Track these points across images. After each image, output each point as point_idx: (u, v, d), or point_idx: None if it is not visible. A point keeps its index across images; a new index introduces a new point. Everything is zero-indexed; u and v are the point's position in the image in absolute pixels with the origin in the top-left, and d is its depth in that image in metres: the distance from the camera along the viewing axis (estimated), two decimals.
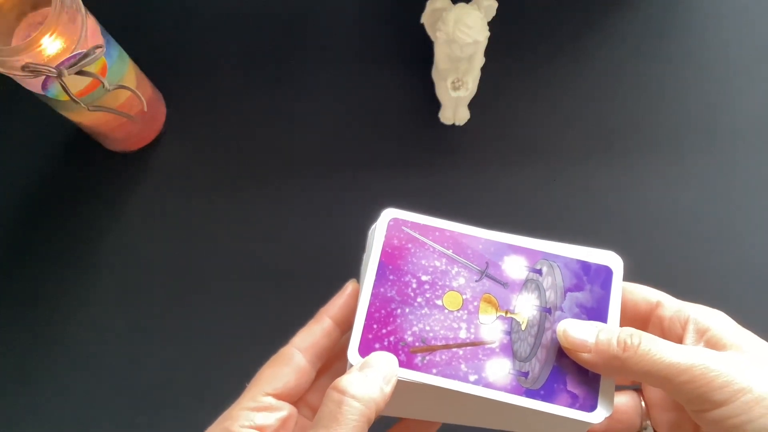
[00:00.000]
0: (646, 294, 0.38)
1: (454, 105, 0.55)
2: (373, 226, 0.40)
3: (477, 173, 0.56)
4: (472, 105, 0.55)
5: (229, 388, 0.48)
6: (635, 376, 0.34)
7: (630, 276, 0.54)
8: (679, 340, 0.35)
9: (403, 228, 0.38)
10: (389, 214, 0.39)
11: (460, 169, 0.56)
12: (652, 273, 0.54)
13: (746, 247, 0.55)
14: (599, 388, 0.36)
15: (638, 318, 0.38)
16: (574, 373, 0.36)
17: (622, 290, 0.38)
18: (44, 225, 0.55)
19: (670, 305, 0.37)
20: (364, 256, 0.41)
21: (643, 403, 0.39)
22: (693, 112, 0.57)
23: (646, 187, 0.56)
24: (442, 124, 0.56)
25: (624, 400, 0.39)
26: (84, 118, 0.50)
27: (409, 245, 0.38)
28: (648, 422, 0.39)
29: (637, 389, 0.41)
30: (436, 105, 0.55)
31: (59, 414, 0.52)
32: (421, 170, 0.56)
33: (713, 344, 0.34)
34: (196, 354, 0.53)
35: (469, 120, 0.55)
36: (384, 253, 0.38)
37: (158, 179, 0.56)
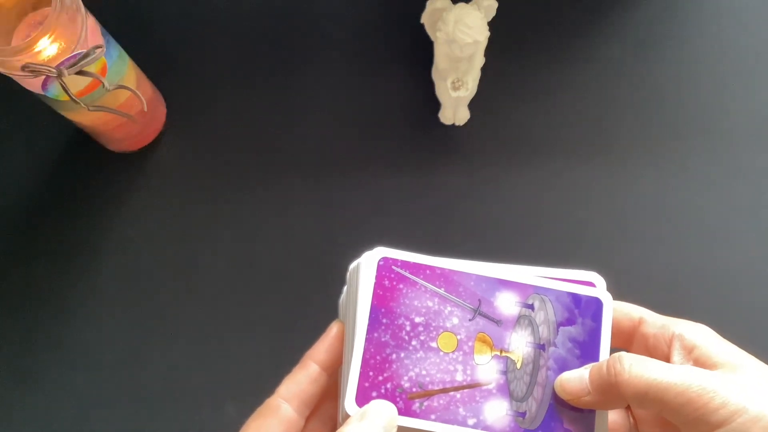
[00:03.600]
0: (628, 311, 0.38)
1: (454, 105, 0.55)
2: (354, 263, 0.39)
3: (477, 173, 0.56)
4: (472, 105, 0.55)
5: (229, 387, 0.48)
6: (632, 400, 0.33)
7: (630, 277, 0.54)
8: (666, 358, 0.35)
9: (393, 268, 0.37)
10: (378, 253, 0.37)
11: (460, 169, 0.56)
12: (649, 274, 0.54)
13: (743, 253, 0.55)
14: (594, 423, 0.36)
15: (622, 335, 0.38)
16: (569, 410, 0.36)
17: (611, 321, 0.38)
18: (44, 225, 0.55)
19: (653, 321, 0.37)
20: (345, 293, 0.40)
21: (631, 419, 0.39)
22: (695, 112, 0.57)
23: (645, 188, 0.56)
24: (442, 124, 0.56)
25: (613, 416, 0.39)
26: (84, 118, 0.50)
27: (401, 286, 0.37)
28: None
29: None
30: (436, 105, 0.55)
31: (59, 414, 0.52)
32: (421, 170, 0.56)
33: (702, 363, 0.34)
34: (196, 354, 0.53)
35: (469, 120, 0.55)
36: (375, 295, 0.36)
37: (158, 179, 0.56)
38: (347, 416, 0.34)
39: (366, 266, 0.37)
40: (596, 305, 0.38)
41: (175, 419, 0.51)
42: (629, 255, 0.55)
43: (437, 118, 0.56)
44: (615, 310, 0.38)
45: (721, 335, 0.35)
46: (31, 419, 0.52)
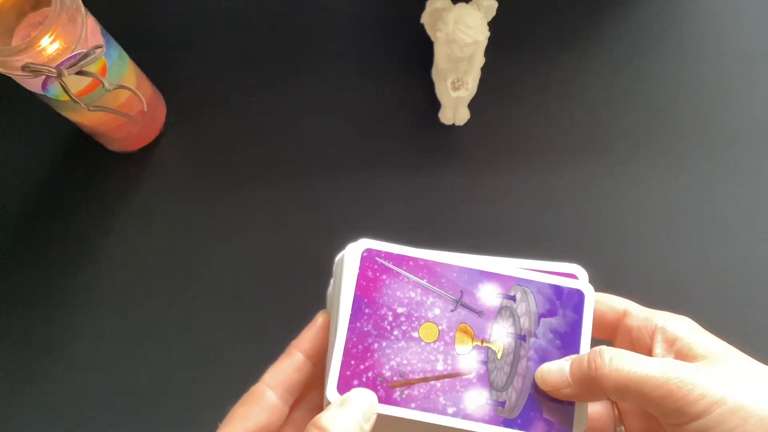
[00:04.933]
0: (612, 303, 0.38)
1: (454, 105, 0.55)
2: (339, 255, 0.39)
3: (477, 173, 0.56)
4: (472, 105, 0.55)
5: (229, 387, 0.48)
6: (612, 394, 0.33)
7: (636, 273, 0.54)
8: (648, 350, 0.35)
9: (377, 259, 0.38)
10: (362, 244, 0.38)
11: (460, 169, 0.56)
12: (646, 274, 0.54)
13: (737, 249, 0.55)
14: (574, 413, 0.36)
15: (606, 328, 0.38)
16: (549, 400, 0.36)
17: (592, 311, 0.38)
18: (44, 225, 0.55)
19: (637, 314, 0.37)
20: (331, 286, 0.41)
21: (616, 411, 0.39)
22: (694, 112, 0.57)
23: (645, 189, 0.56)
24: (442, 124, 0.56)
25: (598, 408, 0.39)
26: (84, 118, 0.50)
27: (384, 276, 0.37)
28: (622, 428, 0.39)
29: None
30: (436, 105, 0.55)
31: (59, 414, 0.52)
32: (420, 170, 0.56)
33: (683, 355, 0.34)
34: (195, 354, 0.53)
35: (469, 120, 0.55)
36: (359, 285, 0.37)
37: (158, 179, 0.56)
38: (329, 403, 0.35)
39: (350, 257, 0.38)
40: (578, 297, 0.38)
41: (175, 419, 0.51)
42: (629, 253, 0.55)
43: (437, 118, 0.56)
44: (599, 302, 0.38)
45: (712, 331, 0.35)
46: (31, 419, 0.52)
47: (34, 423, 0.52)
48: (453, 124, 0.56)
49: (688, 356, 0.34)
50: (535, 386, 0.36)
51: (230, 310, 0.53)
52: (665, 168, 0.56)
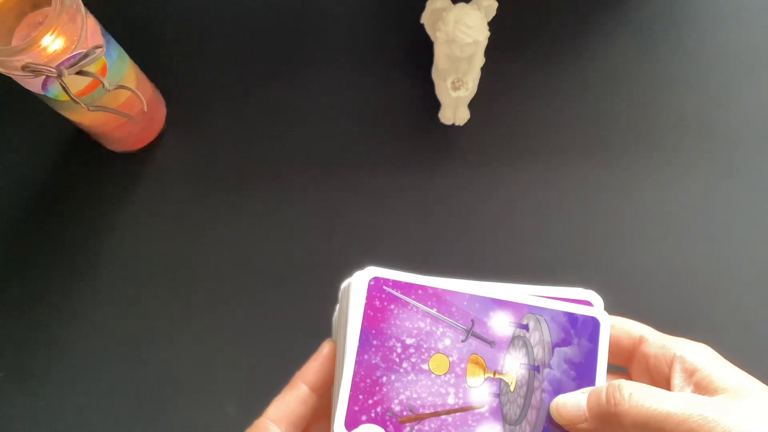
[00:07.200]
0: (628, 328, 0.37)
1: (454, 105, 0.55)
2: (346, 282, 0.38)
3: (477, 173, 0.56)
4: (472, 105, 0.55)
5: (229, 388, 0.48)
6: (631, 430, 0.32)
7: (631, 281, 0.54)
8: (666, 379, 0.35)
9: (385, 288, 0.36)
10: (369, 273, 0.37)
11: (460, 170, 0.56)
12: (647, 280, 0.54)
13: (751, 261, 0.54)
14: None
15: (621, 354, 0.38)
16: None
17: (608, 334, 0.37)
18: (44, 225, 0.55)
19: (654, 340, 0.36)
20: (337, 313, 0.40)
21: None
22: (695, 113, 0.57)
23: (644, 189, 0.56)
24: (442, 124, 0.56)
25: None
26: (84, 118, 0.50)
27: (392, 306, 0.36)
28: None
29: None
30: (436, 105, 0.55)
31: (59, 414, 0.52)
32: (421, 170, 0.56)
33: (703, 387, 0.33)
34: (196, 354, 0.53)
35: (469, 120, 0.55)
36: (366, 316, 0.36)
37: (158, 179, 0.56)
38: None
39: (356, 286, 0.36)
40: (593, 325, 0.37)
41: (175, 419, 0.51)
42: (631, 261, 0.54)
43: (437, 118, 0.56)
44: (615, 327, 0.37)
45: (727, 347, 0.35)
46: (31, 419, 0.52)
47: (35, 423, 0.52)
48: (453, 124, 0.55)
49: (708, 389, 0.33)
50: (549, 419, 0.35)
51: (230, 310, 0.53)
52: (670, 168, 0.56)
